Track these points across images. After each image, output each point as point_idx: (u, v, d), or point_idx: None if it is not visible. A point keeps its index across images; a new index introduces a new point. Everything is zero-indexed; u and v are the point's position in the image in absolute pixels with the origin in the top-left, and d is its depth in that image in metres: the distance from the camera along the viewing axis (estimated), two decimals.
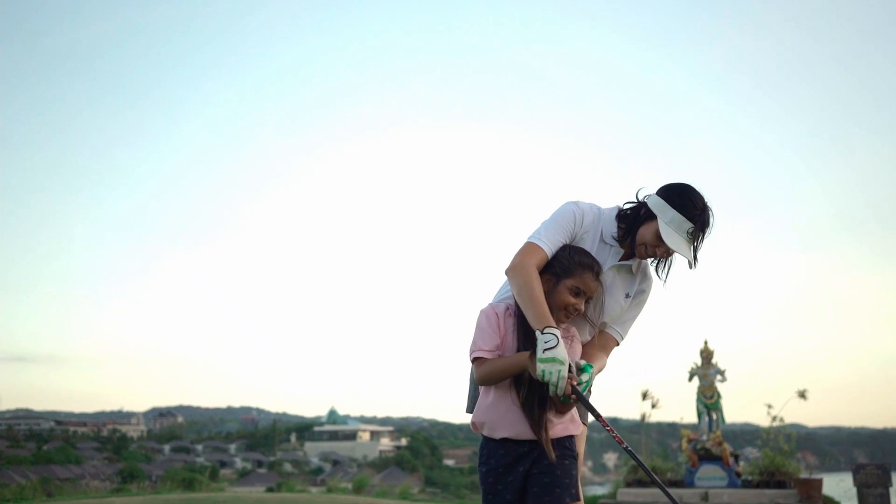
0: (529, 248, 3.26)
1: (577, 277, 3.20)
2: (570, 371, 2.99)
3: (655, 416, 19.07)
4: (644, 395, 17.40)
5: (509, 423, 3.17)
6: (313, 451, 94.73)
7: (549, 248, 3.26)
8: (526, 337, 3.13)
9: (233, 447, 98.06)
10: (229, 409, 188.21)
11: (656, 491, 16.31)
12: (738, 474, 16.24)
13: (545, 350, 2.94)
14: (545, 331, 2.99)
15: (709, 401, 16.90)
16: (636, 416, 19.10)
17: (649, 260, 3.48)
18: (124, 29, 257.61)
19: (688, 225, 3.26)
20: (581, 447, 3.45)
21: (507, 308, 3.26)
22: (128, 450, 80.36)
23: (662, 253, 3.33)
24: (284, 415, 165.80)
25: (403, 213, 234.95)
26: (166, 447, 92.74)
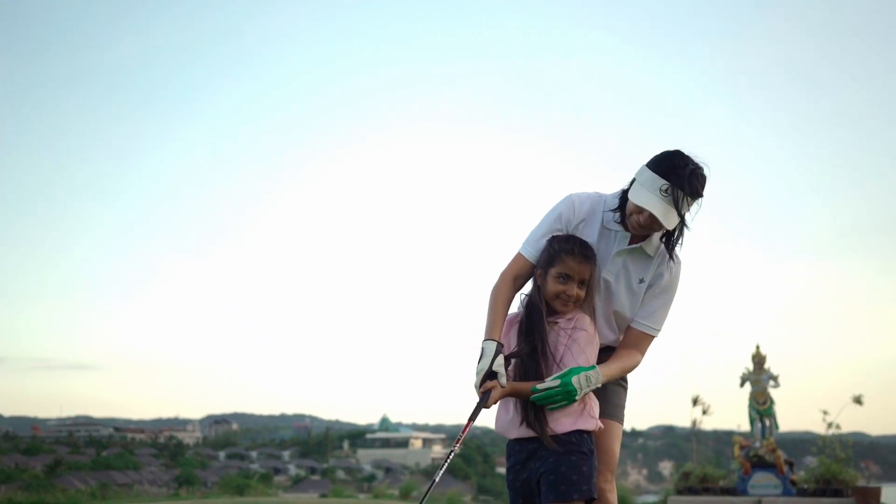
0: (513, 258, 3.37)
1: (561, 263, 3.21)
2: (495, 377, 3.11)
3: (712, 424, 18.78)
4: (695, 401, 17.06)
5: (516, 423, 3.28)
6: (366, 458, 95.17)
7: (532, 252, 3.30)
8: (522, 340, 3.28)
9: (286, 454, 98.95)
10: (283, 417, 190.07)
11: (707, 499, 15.99)
12: (794, 482, 15.84)
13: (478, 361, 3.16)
14: (483, 343, 3.18)
15: (761, 407, 16.52)
16: (699, 424, 18.72)
17: (658, 239, 3.29)
18: (131, 37, 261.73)
19: (660, 182, 3.04)
20: (612, 444, 3.38)
21: (516, 316, 3.39)
22: (184, 456, 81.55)
23: (646, 220, 3.11)
24: (337, 422, 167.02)
25: (449, 217, 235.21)
26: (221, 454, 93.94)
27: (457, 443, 3.21)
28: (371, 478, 75.11)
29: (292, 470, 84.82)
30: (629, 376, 3.48)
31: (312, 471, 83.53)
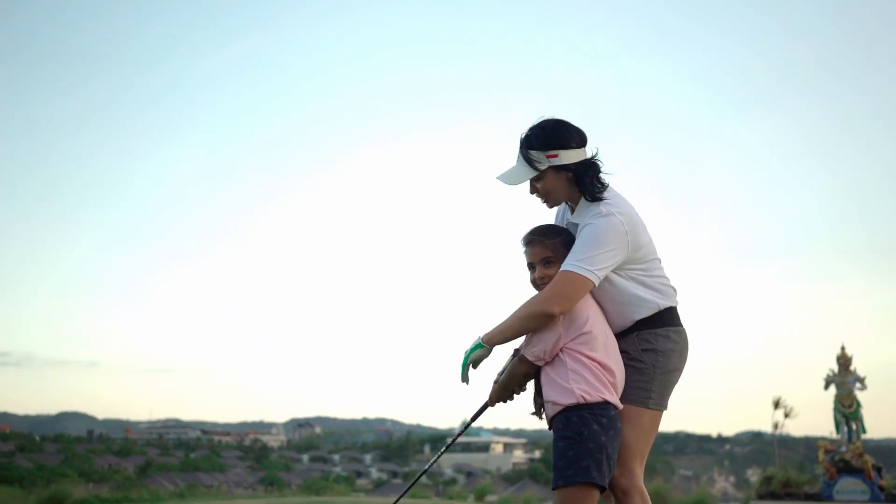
0: None
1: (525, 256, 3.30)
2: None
3: (802, 431, 18.29)
4: (776, 404, 16.68)
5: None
6: (447, 462, 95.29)
7: None
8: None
9: (368, 458, 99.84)
10: (365, 421, 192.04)
11: (787, 503, 15.56)
12: (882, 488, 15.29)
13: None
14: None
15: (847, 410, 16.01)
16: (786, 430, 18.25)
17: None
18: (133, 37, 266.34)
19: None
20: (625, 431, 3.08)
21: None
22: (268, 459, 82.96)
23: (532, 191, 3.32)
24: (418, 426, 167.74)
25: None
26: (305, 457, 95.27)
27: (453, 440, 3.49)
28: (452, 482, 75.24)
29: (374, 473, 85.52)
30: (659, 352, 3.15)
31: (394, 474, 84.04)
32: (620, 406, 3.10)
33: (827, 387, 16.35)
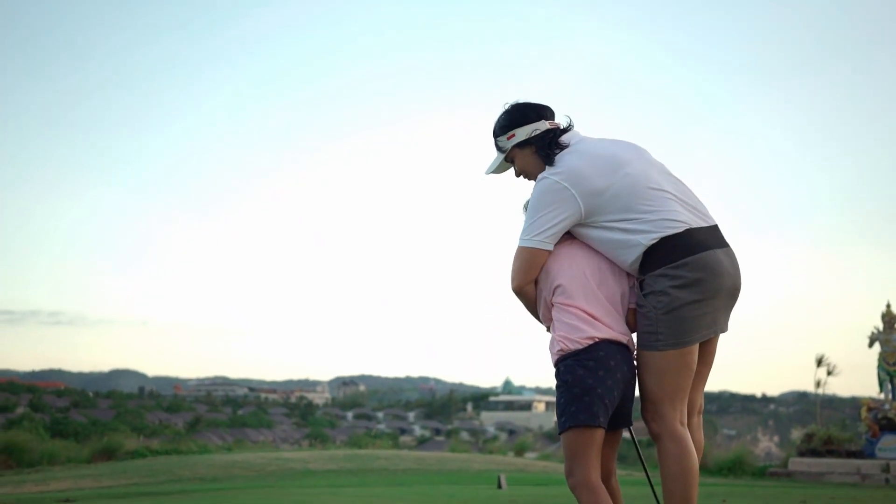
0: None
1: None
2: None
3: (849, 391, 18.15)
4: (819, 362, 16.54)
5: None
6: (489, 420, 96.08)
7: None
8: None
9: (412, 415, 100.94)
10: (408, 379, 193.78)
11: (829, 460, 15.51)
12: None
13: None
14: None
15: (892, 367, 15.86)
16: (833, 391, 18.17)
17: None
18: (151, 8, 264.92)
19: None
20: (641, 376, 3.13)
21: None
22: (314, 416, 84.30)
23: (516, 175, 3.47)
24: (461, 385, 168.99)
25: None
26: (349, 414, 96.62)
27: None
28: (494, 439, 75.87)
29: (417, 431, 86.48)
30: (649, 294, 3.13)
31: (437, 432, 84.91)
32: (623, 340, 3.13)
33: (871, 344, 16.19)
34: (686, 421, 3.20)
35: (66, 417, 47.82)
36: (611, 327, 3.11)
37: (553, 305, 3.18)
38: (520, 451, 19.92)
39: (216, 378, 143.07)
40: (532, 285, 3.23)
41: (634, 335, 3.21)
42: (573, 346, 3.06)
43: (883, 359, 15.99)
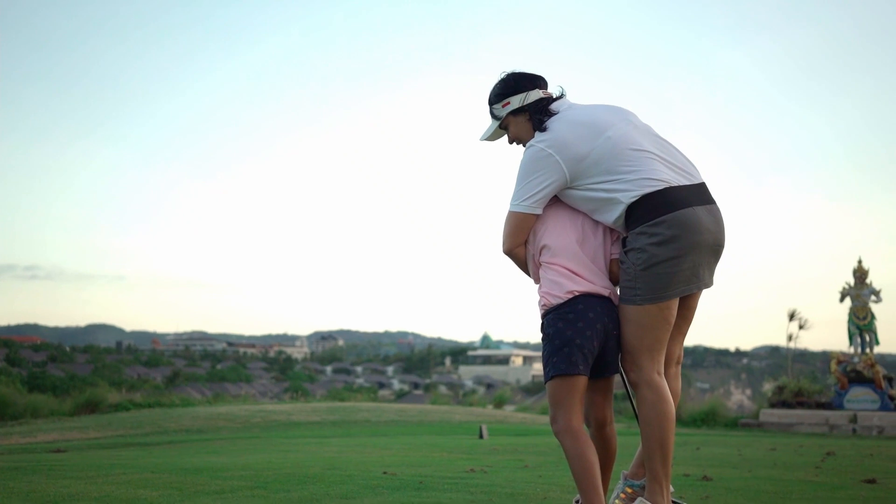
0: None
1: None
2: None
3: (820, 345, 18.58)
4: (791, 316, 16.92)
5: None
6: (467, 374, 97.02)
7: None
8: None
9: (390, 369, 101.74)
10: (387, 334, 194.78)
11: (799, 412, 15.94)
12: (892, 398, 15.63)
13: None
14: None
15: (861, 322, 16.25)
16: (804, 345, 18.60)
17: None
18: None
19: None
20: (622, 329, 3.28)
21: None
22: (293, 370, 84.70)
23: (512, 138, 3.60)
24: (439, 339, 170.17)
25: None
26: (328, 368, 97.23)
27: None
28: (472, 393, 76.76)
29: (396, 385, 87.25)
30: (633, 247, 3.27)
31: (415, 386, 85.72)
32: (603, 293, 3.30)
33: (843, 299, 16.57)
34: (663, 371, 3.40)
35: (43, 372, 47.72)
36: (592, 282, 3.29)
37: (540, 264, 3.37)
38: (499, 404, 20.29)
39: (194, 333, 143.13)
40: (522, 247, 3.42)
41: (618, 288, 3.39)
42: (555, 301, 3.26)
43: (853, 313, 16.37)
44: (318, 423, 14.69)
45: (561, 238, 3.34)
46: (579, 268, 3.30)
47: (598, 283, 3.30)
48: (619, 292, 3.36)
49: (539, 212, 3.35)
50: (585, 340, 3.21)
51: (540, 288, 3.35)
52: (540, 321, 3.35)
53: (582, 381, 3.22)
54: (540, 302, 3.34)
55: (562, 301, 3.25)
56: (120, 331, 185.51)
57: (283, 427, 13.82)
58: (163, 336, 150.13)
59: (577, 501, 3.45)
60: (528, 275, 3.50)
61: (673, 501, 3.35)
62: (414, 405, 19.99)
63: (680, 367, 3.65)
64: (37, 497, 4.09)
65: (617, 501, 3.60)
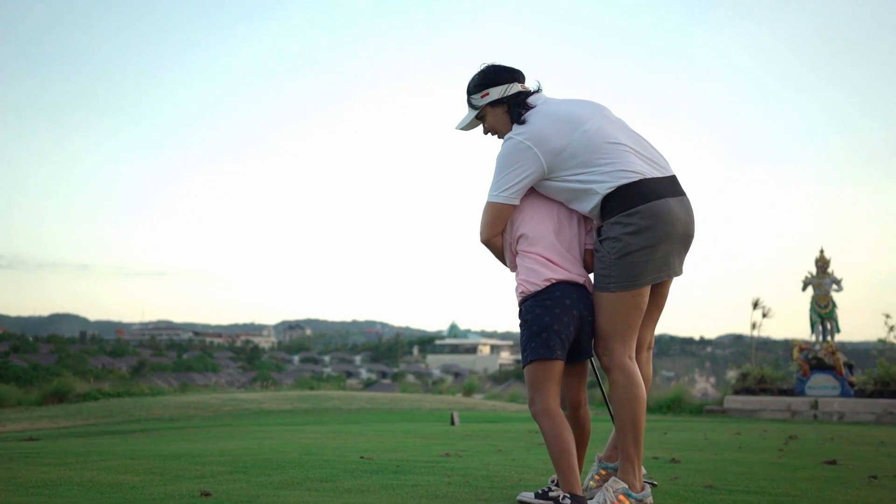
0: None
1: None
2: None
3: (783, 334, 18.90)
4: (755, 304, 17.22)
5: None
6: (435, 363, 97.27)
7: None
8: None
9: (358, 359, 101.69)
10: (354, 323, 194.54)
11: (762, 398, 16.27)
12: (852, 384, 16.00)
13: None
14: None
15: (823, 310, 16.59)
16: (767, 333, 18.91)
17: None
18: None
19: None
20: (596, 315, 3.41)
21: None
22: (260, 360, 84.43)
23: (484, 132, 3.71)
24: (407, 329, 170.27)
25: None
26: (295, 358, 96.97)
27: None
28: (440, 382, 76.92)
29: (364, 374, 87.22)
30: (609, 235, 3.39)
31: (383, 375, 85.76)
32: (579, 281, 3.44)
33: (805, 288, 16.89)
34: (634, 356, 3.53)
35: (6, 362, 47.10)
36: (568, 270, 3.43)
37: (517, 253, 3.49)
38: (468, 392, 20.48)
39: (160, 322, 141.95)
40: (499, 237, 3.54)
41: (592, 275, 3.52)
42: (533, 289, 3.39)
43: (815, 302, 16.71)
44: (290, 411, 14.74)
45: (538, 228, 3.47)
46: (556, 256, 3.43)
47: (573, 272, 3.43)
48: (593, 280, 3.50)
49: (517, 202, 3.47)
50: (562, 326, 3.33)
51: (517, 276, 3.47)
52: (518, 308, 3.48)
53: (559, 366, 3.35)
54: (517, 289, 3.46)
55: (539, 288, 3.38)
56: (84, 320, 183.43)
57: (255, 415, 13.85)
58: (128, 326, 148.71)
59: (552, 481, 3.59)
60: (505, 264, 3.62)
61: (644, 481, 3.48)
62: (384, 393, 20.09)
63: (651, 352, 3.80)
64: (18, 483, 4.13)
65: (592, 482, 3.74)
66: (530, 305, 3.39)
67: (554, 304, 3.35)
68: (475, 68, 3.70)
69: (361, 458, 5.37)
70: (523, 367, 3.43)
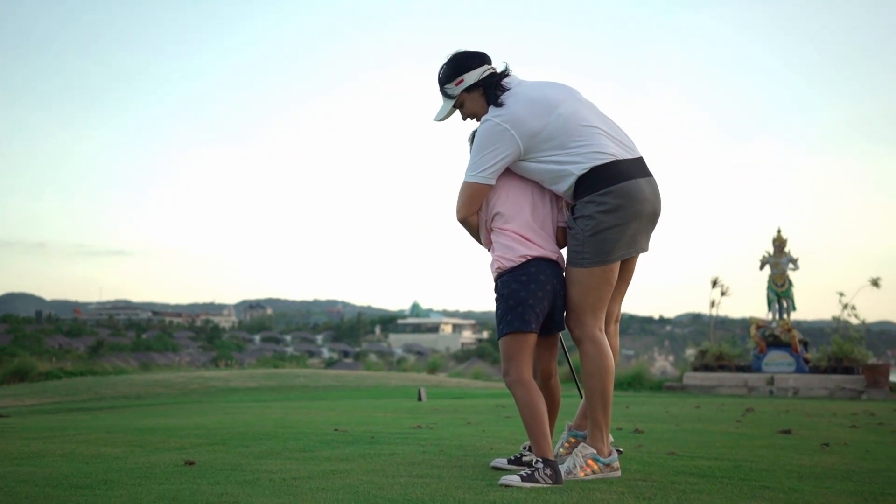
0: None
1: None
2: None
3: (740, 313, 19.26)
4: (714, 283, 17.59)
5: None
6: (397, 342, 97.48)
7: None
8: None
9: (320, 338, 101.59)
10: (316, 303, 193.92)
11: (720, 374, 16.68)
12: (807, 360, 16.46)
13: None
14: None
15: (780, 289, 17.01)
16: (725, 312, 19.30)
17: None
18: None
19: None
20: (568, 290, 3.57)
21: None
22: (220, 339, 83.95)
23: (466, 115, 3.80)
24: (369, 308, 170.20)
25: None
26: (256, 337, 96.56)
27: None
28: (402, 361, 77.07)
29: (325, 353, 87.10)
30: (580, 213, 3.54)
31: (345, 354, 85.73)
32: (552, 257, 3.61)
33: (762, 267, 17.29)
34: (604, 328, 3.71)
35: None
36: (542, 247, 3.59)
37: (492, 230, 3.64)
38: (433, 370, 20.68)
39: (118, 302, 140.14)
40: (475, 215, 3.68)
41: (564, 251, 3.68)
42: (509, 264, 3.55)
43: (772, 280, 17.12)
44: (257, 388, 14.82)
45: (513, 206, 3.62)
46: (530, 234, 3.58)
47: (547, 248, 3.59)
48: (565, 256, 3.67)
49: (493, 182, 3.61)
50: (537, 301, 3.50)
51: (493, 252, 3.62)
52: (494, 283, 3.63)
53: (533, 338, 3.51)
54: (493, 265, 3.61)
55: (515, 264, 3.53)
56: (39, 300, 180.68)
57: (223, 392, 13.92)
58: (85, 305, 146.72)
59: (525, 447, 3.76)
60: (480, 242, 3.77)
61: (611, 448, 3.66)
62: (350, 371, 20.22)
63: (618, 325, 3.98)
64: (1, 455, 4.20)
65: (562, 450, 3.92)
66: (506, 280, 3.54)
67: (529, 279, 3.51)
68: (439, 58, 3.78)
69: (336, 430, 5.51)
70: (498, 339, 3.58)
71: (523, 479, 3.25)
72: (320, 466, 3.71)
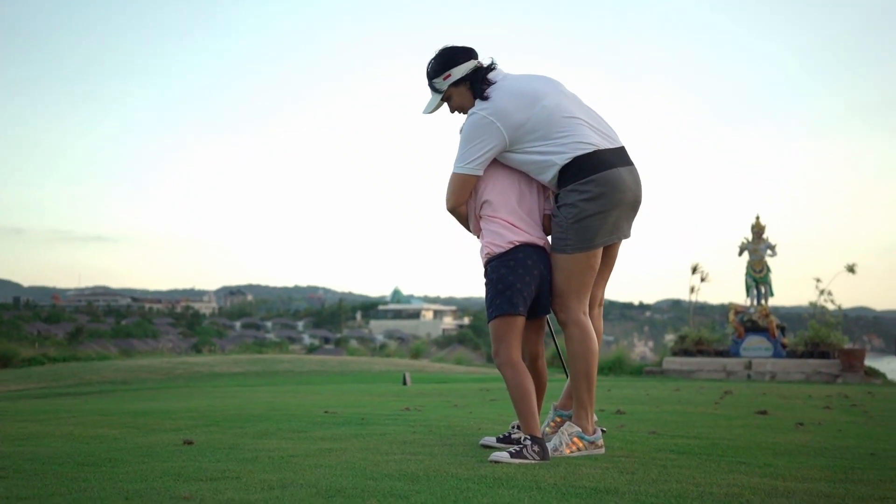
0: None
1: None
2: None
3: (719, 299, 19.50)
4: (693, 269, 17.82)
5: None
6: (378, 328, 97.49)
7: None
8: None
9: (300, 324, 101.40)
10: (297, 289, 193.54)
11: (699, 359, 16.94)
12: (784, 345, 16.74)
13: None
14: None
15: (758, 275, 17.26)
16: (704, 298, 19.56)
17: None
18: None
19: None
20: (553, 275, 3.70)
21: None
22: (201, 326, 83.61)
23: (454, 108, 3.93)
24: (350, 294, 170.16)
25: None
26: (237, 324, 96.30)
27: None
28: (383, 347, 77.21)
29: (306, 339, 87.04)
30: (566, 202, 3.67)
31: (326, 340, 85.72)
32: (539, 243, 3.75)
33: (741, 253, 17.54)
34: (588, 311, 3.87)
35: None
36: (529, 233, 3.74)
37: (481, 218, 3.79)
38: (415, 355, 20.84)
39: (97, 288, 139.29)
40: (464, 205, 3.83)
41: (550, 238, 3.83)
42: (497, 250, 3.70)
43: (750, 266, 17.37)
44: (242, 373, 14.92)
45: (501, 195, 3.77)
46: (518, 221, 3.73)
47: (534, 235, 3.74)
48: (551, 242, 3.81)
49: (481, 173, 3.76)
50: (525, 285, 3.65)
51: (483, 239, 3.77)
52: (483, 268, 3.78)
53: (521, 321, 3.66)
54: (483, 251, 3.76)
55: (504, 250, 3.68)
56: (17, 286, 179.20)
57: (208, 378, 14.01)
58: (63, 292, 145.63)
59: (513, 426, 3.92)
60: (469, 230, 3.92)
61: (595, 427, 3.82)
62: (334, 357, 20.34)
63: (602, 308, 4.13)
64: (1, 436, 4.30)
65: (548, 429, 4.07)
66: (495, 266, 3.69)
67: (517, 264, 3.65)
68: (427, 50, 3.93)
69: (326, 412, 5.64)
70: (488, 322, 3.73)
71: (512, 455, 3.40)
72: (315, 445, 3.84)
